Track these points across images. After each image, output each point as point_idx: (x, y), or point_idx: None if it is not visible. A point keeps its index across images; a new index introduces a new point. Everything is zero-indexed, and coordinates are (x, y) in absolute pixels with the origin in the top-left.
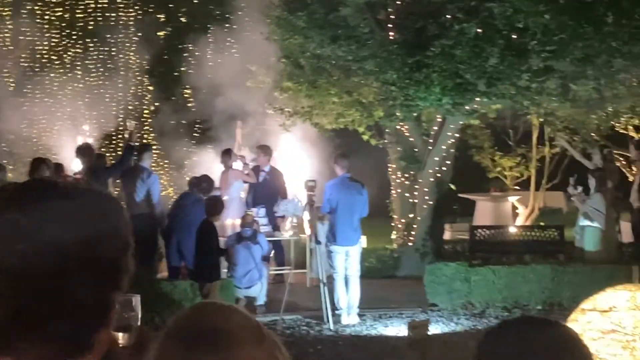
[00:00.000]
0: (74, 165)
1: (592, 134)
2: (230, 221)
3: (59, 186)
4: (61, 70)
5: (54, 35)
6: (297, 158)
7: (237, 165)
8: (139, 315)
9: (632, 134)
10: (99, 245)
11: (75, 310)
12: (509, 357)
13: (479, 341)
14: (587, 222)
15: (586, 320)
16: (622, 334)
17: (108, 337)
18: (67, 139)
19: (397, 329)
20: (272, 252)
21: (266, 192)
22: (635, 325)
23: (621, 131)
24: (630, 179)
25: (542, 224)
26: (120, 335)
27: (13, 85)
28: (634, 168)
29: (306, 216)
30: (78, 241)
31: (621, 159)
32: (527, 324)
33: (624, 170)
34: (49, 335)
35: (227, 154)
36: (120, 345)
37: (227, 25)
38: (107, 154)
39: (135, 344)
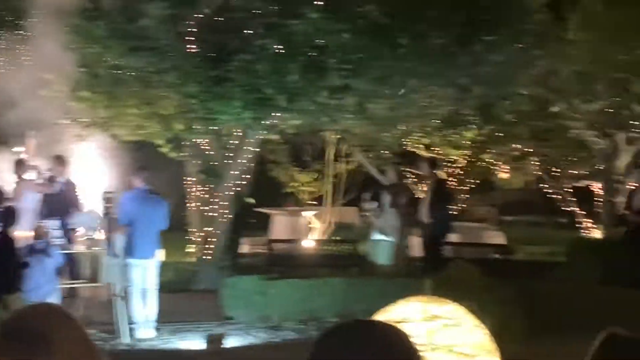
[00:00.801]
0: None
1: (386, 151)
2: (22, 233)
3: None
4: None
5: None
6: (95, 169)
7: (30, 175)
8: None
9: (422, 152)
10: None
11: None
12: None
13: (313, 345)
14: (380, 237)
15: None
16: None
17: None
18: None
19: (194, 342)
20: (66, 265)
21: (61, 203)
22: (428, 336)
23: (412, 149)
24: (420, 195)
25: (337, 238)
26: None
27: None
28: (421, 186)
29: (103, 228)
30: None
31: (412, 176)
32: (359, 325)
33: (413, 187)
34: None
35: (19, 165)
36: None
37: (20, 32)
38: None
39: None
